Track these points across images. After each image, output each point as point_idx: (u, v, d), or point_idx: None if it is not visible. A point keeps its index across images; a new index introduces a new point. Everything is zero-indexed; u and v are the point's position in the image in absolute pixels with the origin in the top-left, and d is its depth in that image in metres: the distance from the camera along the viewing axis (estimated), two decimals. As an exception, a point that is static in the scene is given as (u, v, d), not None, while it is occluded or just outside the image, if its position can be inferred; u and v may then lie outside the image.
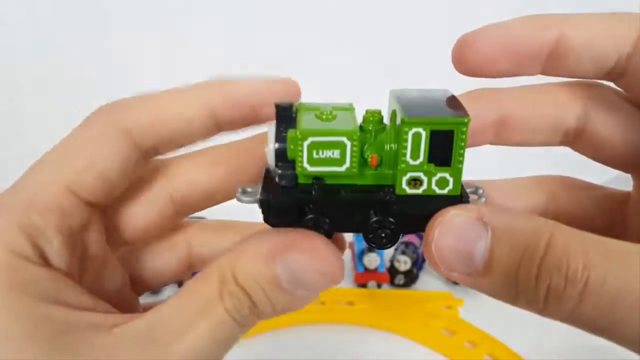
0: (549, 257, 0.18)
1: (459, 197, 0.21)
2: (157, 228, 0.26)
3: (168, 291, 0.55)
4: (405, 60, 0.70)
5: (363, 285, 0.57)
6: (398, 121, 0.20)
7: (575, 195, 0.25)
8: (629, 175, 0.24)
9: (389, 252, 0.59)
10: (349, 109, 0.22)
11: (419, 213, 0.21)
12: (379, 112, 0.21)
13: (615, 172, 0.24)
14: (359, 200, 0.21)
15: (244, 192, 0.22)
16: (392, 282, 0.58)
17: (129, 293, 0.26)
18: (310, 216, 0.21)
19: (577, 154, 0.25)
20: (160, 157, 0.25)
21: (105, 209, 0.24)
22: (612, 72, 0.22)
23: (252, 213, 0.23)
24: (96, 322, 0.20)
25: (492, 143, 0.24)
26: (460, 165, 0.20)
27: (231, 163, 0.25)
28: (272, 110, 0.21)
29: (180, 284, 0.57)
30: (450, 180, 0.20)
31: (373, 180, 0.21)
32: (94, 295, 0.21)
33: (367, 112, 0.21)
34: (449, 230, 0.20)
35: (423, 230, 0.21)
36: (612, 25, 0.22)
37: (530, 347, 0.47)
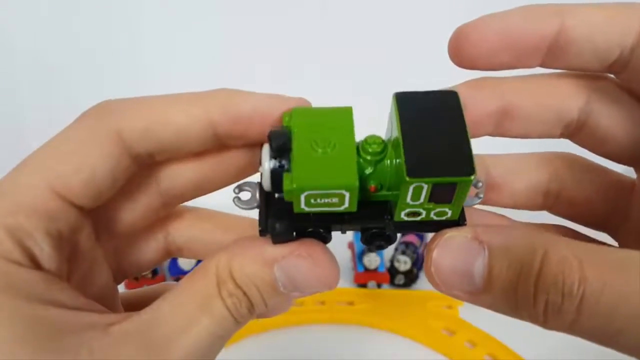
0: (545, 274, 0.18)
1: (457, 222, 0.21)
2: (145, 222, 0.25)
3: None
4: (405, 57, 0.70)
5: (363, 285, 0.57)
6: (400, 164, 0.19)
7: (579, 178, 0.25)
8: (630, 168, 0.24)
9: (388, 252, 0.59)
10: (347, 127, 0.20)
11: (417, 231, 0.21)
12: (380, 142, 0.20)
13: (616, 165, 0.24)
14: (355, 227, 0.21)
15: (240, 192, 0.22)
16: (392, 282, 0.58)
17: (111, 287, 0.25)
18: (309, 230, 0.21)
19: (577, 147, 0.24)
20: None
21: (94, 210, 0.23)
22: (614, 64, 0.21)
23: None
24: (92, 322, 0.19)
25: (491, 134, 0.24)
26: (461, 203, 0.20)
27: (218, 156, 0.24)
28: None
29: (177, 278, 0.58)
30: (450, 212, 0.20)
31: (372, 199, 0.21)
32: (84, 295, 0.21)
33: (367, 141, 0.20)
34: (447, 251, 0.20)
35: (419, 231, 0.21)
36: (615, 16, 0.21)
37: (530, 347, 0.47)
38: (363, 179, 0.20)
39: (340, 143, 0.20)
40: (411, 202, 0.20)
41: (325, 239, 0.22)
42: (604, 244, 0.22)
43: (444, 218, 0.20)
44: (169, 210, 0.26)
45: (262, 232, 0.21)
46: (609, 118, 0.23)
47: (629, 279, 0.17)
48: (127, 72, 0.76)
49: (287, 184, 0.19)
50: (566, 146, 0.25)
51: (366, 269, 0.57)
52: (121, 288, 0.27)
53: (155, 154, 0.23)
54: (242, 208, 0.22)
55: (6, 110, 0.77)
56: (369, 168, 0.20)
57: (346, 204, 0.19)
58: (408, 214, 0.20)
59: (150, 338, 0.20)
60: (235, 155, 0.24)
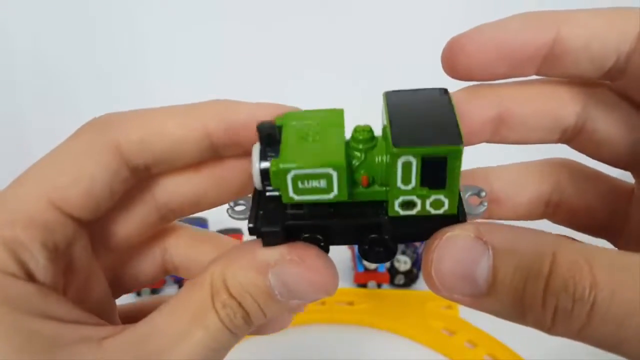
0: (555, 278, 0.17)
1: (456, 217, 0.20)
2: (142, 235, 0.25)
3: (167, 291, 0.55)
4: (399, 61, 0.70)
5: (363, 285, 0.57)
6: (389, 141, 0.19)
7: (580, 187, 0.24)
8: (629, 176, 0.24)
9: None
10: (338, 122, 0.20)
11: (413, 233, 0.20)
12: (369, 130, 0.20)
13: (615, 172, 0.24)
14: (351, 226, 0.21)
15: (235, 206, 0.21)
16: (392, 282, 0.58)
17: (109, 300, 0.25)
18: (305, 235, 0.21)
19: (578, 157, 0.24)
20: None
21: (92, 222, 0.23)
22: (610, 71, 0.21)
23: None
24: (86, 335, 0.19)
25: (488, 141, 0.24)
26: (455, 187, 0.19)
27: (216, 171, 0.24)
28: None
29: (180, 285, 0.58)
30: (446, 201, 0.19)
31: (365, 197, 0.20)
32: (80, 307, 0.21)
33: (356, 129, 0.20)
34: (448, 252, 0.19)
35: (420, 240, 0.20)
36: (610, 23, 0.21)
37: (530, 347, 0.47)
38: (353, 168, 0.20)
39: (329, 134, 0.20)
40: (403, 187, 0.19)
41: (324, 248, 0.21)
42: None
43: (441, 211, 0.19)
44: (165, 224, 0.26)
45: (252, 230, 0.20)
46: (606, 123, 0.22)
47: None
48: (125, 72, 0.76)
49: (273, 165, 0.19)
50: (563, 150, 0.25)
51: (366, 269, 0.57)
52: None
53: (152, 166, 0.23)
54: (235, 218, 0.21)
55: (6, 110, 0.77)
56: (360, 156, 0.20)
57: (335, 190, 0.19)
58: (402, 205, 0.19)
59: (144, 351, 0.19)
60: (233, 171, 0.24)
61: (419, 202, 0.19)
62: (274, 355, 0.49)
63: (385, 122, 0.20)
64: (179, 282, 0.58)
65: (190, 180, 0.24)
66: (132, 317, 0.23)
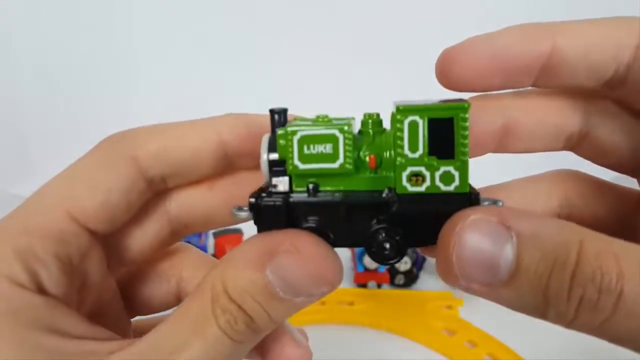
0: (582, 268, 0.16)
1: (468, 195, 0.19)
2: (155, 250, 0.25)
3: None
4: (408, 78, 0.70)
5: (363, 285, 0.57)
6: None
7: (588, 199, 0.24)
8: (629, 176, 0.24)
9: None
10: (348, 119, 0.21)
11: (424, 212, 0.19)
12: (378, 115, 0.20)
13: (615, 172, 0.24)
14: (356, 202, 0.19)
15: (240, 209, 0.20)
16: (392, 282, 0.58)
17: (123, 316, 0.25)
18: (308, 225, 0.20)
19: (578, 157, 0.24)
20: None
21: (107, 236, 0.23)
22: (610, 81, 0.21)
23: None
24: (92, 350, 0.19)
25: (494, 152, 0.23)
26: (465, 158, 0.19)
27: (229, 188, 0.24)
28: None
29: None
30: (456, 174, 0.19)
31: (372, 185, 0.20)
32: (92, 322, 0.21)
33: (365, 115, 0.20)
34: (471, 236, 0.18)
35: (433, 241, 0.19)
36: (609, 33, 0.20)
37: (530, 347, 0.47)
38: (361, 146, 0.20)
39: (338, 120, 0.20)
40: (410, 154, 0.19)
41: (327, 237, 0.20)
42: None
43: (452, 187, 0.19)
44: (177, 241, 0.26)
45: (252, 206, 0.19)
46: (609, 131, 0.22)
47: None
48: (125, 73, 0.76)
49: (280, 130, 0.19)
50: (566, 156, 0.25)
51: (366, 269, 0.57)
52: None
53: (169, 177, 0.23)
54: (239, 217, 0.21)
55: (6, 110, 0.77)
56: (368, 136, 0.20)
57: (341, 158, 0.19)
58: (410, 179, 0.19)
59: None
60: (246, 188, 0.24)
61: (427, 174, 0.19)
62: (274, 355, 0.49)
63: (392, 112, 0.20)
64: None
65: (204, 196, 0.25)
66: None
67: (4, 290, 0.19)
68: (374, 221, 0.20)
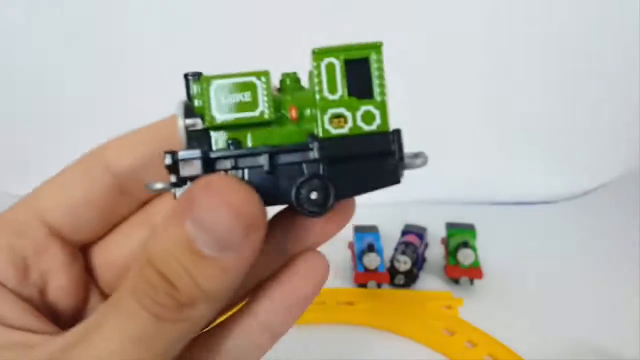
0: None
1: (389, 133, 0.19)
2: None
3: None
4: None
5: (363, 285, 0.57)
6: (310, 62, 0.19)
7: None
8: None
9: (388, 252, 0.59)
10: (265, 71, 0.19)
11: (348, 154, 0.19)
12: (295, 73, 0.20)
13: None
14: (278, 150, 0.19)
15: (155, 184, 0.19)
16: (392, 282, 0.58)
17: None
18: (226, 168, 0.19)
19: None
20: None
21: (87, 246, 0.24)
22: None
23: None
24: (22, 342, 0.18)
25: None
26: (383, 96, 0.19)
27: None
28: None
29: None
30: (377, 113, 0.19)
31: (296, 137, 0.19)
32: (46, 318, 0.21)
33: (282, 74, 0.20)
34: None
35: (361, 189, 0.19)
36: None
37: (530, 347, 0.47)
38: (281, 101, 0.19)
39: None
40: (330, 96, 0.19)
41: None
42: None
43: (374, 126, 0.19)
44: None
45: (169, 165, 0.18)
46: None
47: None
48: (125, 73, 0.76)
49: (196, 81, 0.18)
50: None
51: (366, 269, 0.57)
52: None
53: (139, 169, 0.23)
54: (154, 188, 0.19)
55: (6, 110, 0.77)
56: (288, 89, 0.20)
57: (261, 105, 0.18)
58: (332, 120, 0.19)
59: (62, 353, 0.17)
60: None
61: (349, 115, 0.19)
62: (273, 355, 0.49)
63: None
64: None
65: None
66: None
67: None
68: (300, 175, 0.19)
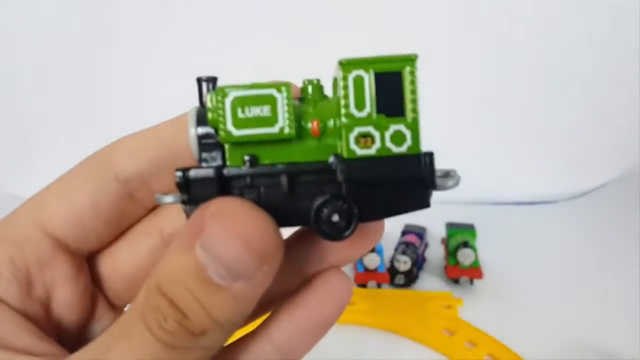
0: None
1: (420, 157, 0.17)
2: (149, 268, 0.24)
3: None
4: None
5: (363, 285, 0.57)
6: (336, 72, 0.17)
7: None
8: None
9: (388, 252, 0.59)
10: (286, 82, 0.18)
11: (375, 178, 0.17)
12: (319, 80, 0.18)
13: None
14: (298, 170, 0.17)
15: (166, 194, 0.18)
16: (392, 282, 0.58)
17: None
18: (240, 191, 0.17)
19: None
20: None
21: (94, 254, 0.22)
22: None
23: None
24: None
25: None
26: (415, 114, 0.17)
27: None
28: None
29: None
30: (408, 133, 0.17)
31: (317, 155, 0.17)
32: (50, 339, 0.19)
33: (304, 81, 0.18)
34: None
35: (387, 213, 0.17)
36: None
37: (530, 347, 0.47)
38: (302, 112, 0.17)
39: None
40: (357, 113, 0.17)
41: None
42: None
43: (404, 148, 0.17)
44: None
45: (180, 182, 0.17)
46: None
47: None
48: (124, 73, 0.76)
49: (211, 93, 0.17)
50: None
51: (366, 269, 0.57)
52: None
53: (147, 175, 0.21)
54: (163, 201, 0.18)
55: (6, 110, 0.77)
56: (310, 101, 0.18)
57: (280, 121, 0.17)
58: (359, 140, 0.17)
59: None
60: None
61: (377, 134, 0.17)
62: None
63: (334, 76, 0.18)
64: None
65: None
66: None
67: None
68: (321, 196, 0.18)
